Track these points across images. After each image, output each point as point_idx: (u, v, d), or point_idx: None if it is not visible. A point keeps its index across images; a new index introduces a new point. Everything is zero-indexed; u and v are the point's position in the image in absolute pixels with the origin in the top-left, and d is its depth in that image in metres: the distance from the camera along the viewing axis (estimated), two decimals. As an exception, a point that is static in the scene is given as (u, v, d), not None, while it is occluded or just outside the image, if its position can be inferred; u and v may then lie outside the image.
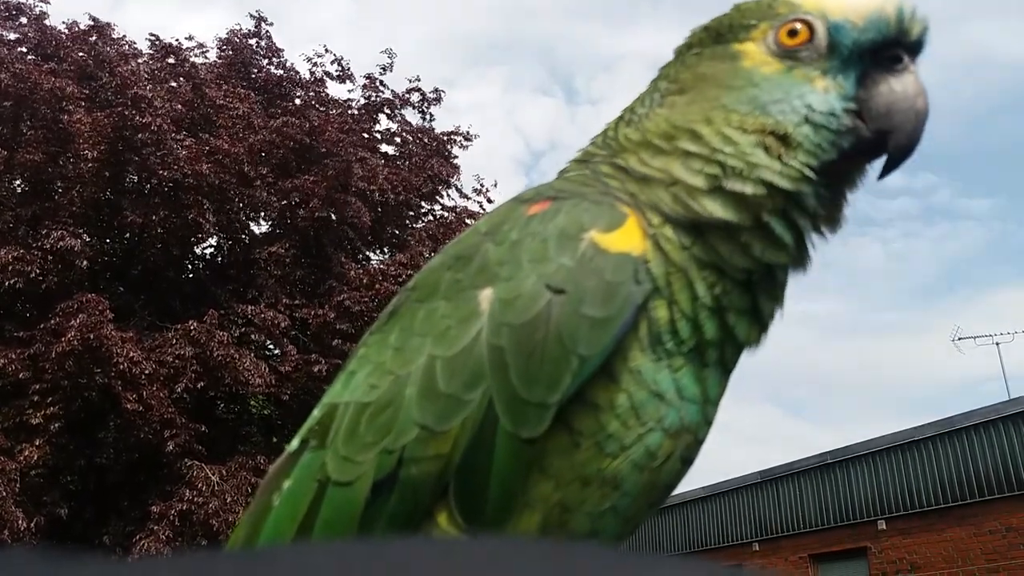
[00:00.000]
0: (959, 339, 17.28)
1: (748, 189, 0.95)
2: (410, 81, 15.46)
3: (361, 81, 14.96)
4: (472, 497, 0.89)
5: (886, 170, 1.00)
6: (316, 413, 1.02)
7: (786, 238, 0.96)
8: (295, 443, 1.02)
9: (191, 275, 12.98)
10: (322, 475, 0.95)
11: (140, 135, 10.90)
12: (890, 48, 0.99)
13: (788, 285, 1.03)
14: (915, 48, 1.01)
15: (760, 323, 1.00)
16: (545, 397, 0.87)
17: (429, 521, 0.91)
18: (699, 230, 0.96)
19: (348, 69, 14.88)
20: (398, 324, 0.99)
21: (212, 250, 13.48)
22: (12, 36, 12.47)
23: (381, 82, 14.92)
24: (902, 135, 0.96)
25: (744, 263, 0.96)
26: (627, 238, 0.92)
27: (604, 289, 0.89)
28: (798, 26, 1.02)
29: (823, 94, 0.99)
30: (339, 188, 12.15)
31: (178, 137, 11.18)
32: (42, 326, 10.21)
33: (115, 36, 12.98)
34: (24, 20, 12.68)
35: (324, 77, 14.78)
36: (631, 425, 0.90)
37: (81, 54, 12.49)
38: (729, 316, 0.96)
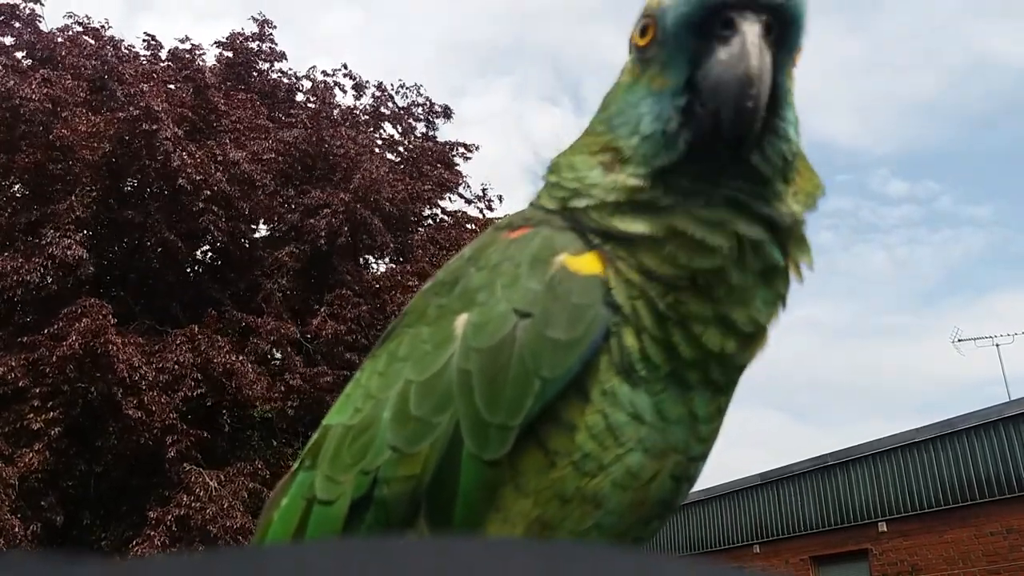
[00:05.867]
0: (959, 341, 17.22)
1: (583, 203, 0.94)
2: (418, 94, 15.48)
3: (371, 90, 14.98)
4: (441, 516, 0.91)
5: (737, 148, 0.87)
6: (315, 435, 1.06)
7: (712, 241, 0.87)
8: (298, 462, 1.07)
9: (193, 280, 12.93)
10: (310, 494, 0.99)
11: (156, 145, 10.78)
12: (721, 13, 0.85)
13: (775, 288, 0.92)
14: (763, 5, 0.85)
15: (735, 332, 0.91)
16: (507, 420, 0.87)
17: None
18: (628, 245, 0.91)
19: (363, 84, 14.86)
20: (387, 349, 1.02)
21: (216, 255, 13.42)
22: (8, 40, 12.41)
23: (390, 95, 14.96)
24: (728, 110, 0.84)
25: (673, 272, 0.89)
26: (595, 261, 0.91)
27: (570, 312, 0.88)
28: (644, 24, 0.94)
29: (656, 94, 0.91)
30: (360, 200, 12.09)
31: (182, 143, 11.13)
32: (45, 331, 10.17)
33: (116, 39, 12.94)
34: (18, 24, 12.61)
35: (333, 86, 14.74)
36: (608, 446, 0.89)
37: (83, 60, 12.43)
38: (694, 327, 0.89)
